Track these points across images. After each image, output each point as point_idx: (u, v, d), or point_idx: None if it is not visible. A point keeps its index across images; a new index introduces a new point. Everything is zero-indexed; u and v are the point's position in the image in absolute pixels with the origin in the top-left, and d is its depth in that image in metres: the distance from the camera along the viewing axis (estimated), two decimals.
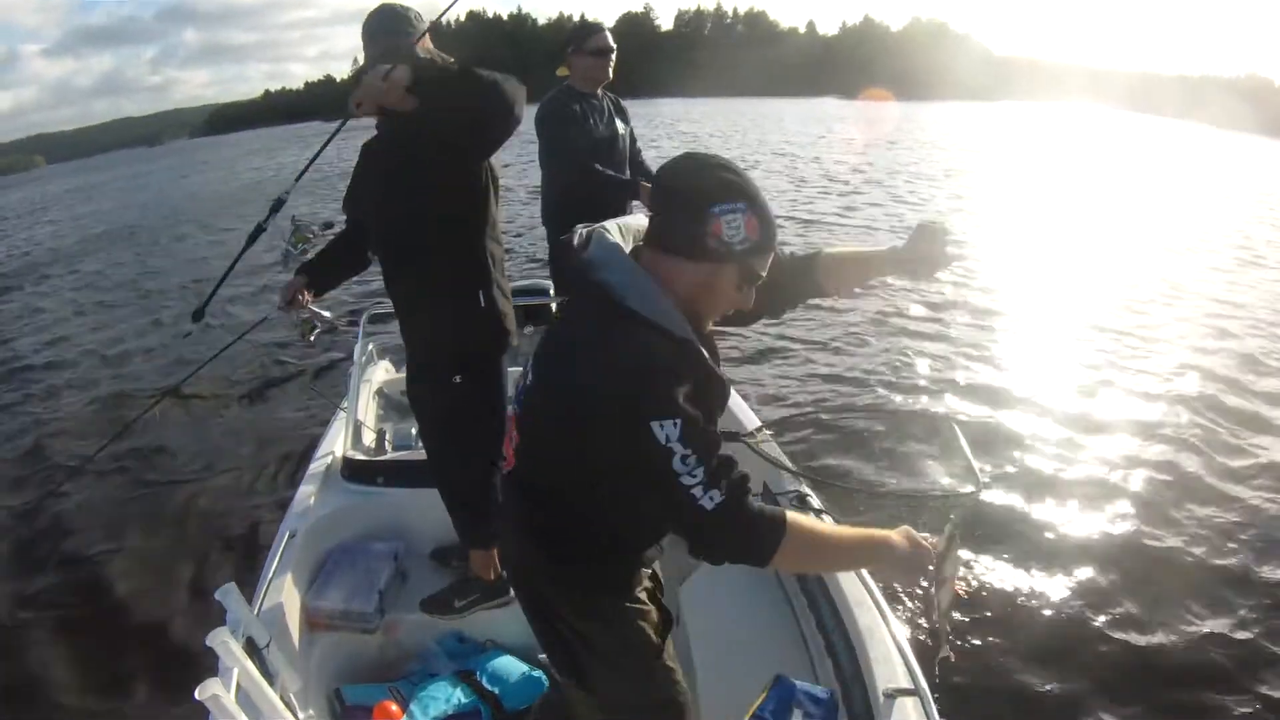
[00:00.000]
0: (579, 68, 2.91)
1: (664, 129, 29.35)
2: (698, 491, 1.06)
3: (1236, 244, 10.08)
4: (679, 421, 1.04)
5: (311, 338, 1.81)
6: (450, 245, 1.90)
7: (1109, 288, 7.59)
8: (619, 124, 3.07)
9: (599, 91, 3.01)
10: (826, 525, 1.23)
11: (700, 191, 1.09)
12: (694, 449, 1.05)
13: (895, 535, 1.23)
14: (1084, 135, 31.75)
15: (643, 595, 1.36)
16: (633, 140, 3.19)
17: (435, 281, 1.94)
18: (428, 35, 1.83)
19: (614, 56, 2.92)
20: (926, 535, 1.25)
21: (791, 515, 1.14)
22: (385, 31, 1.80)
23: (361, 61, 1.85)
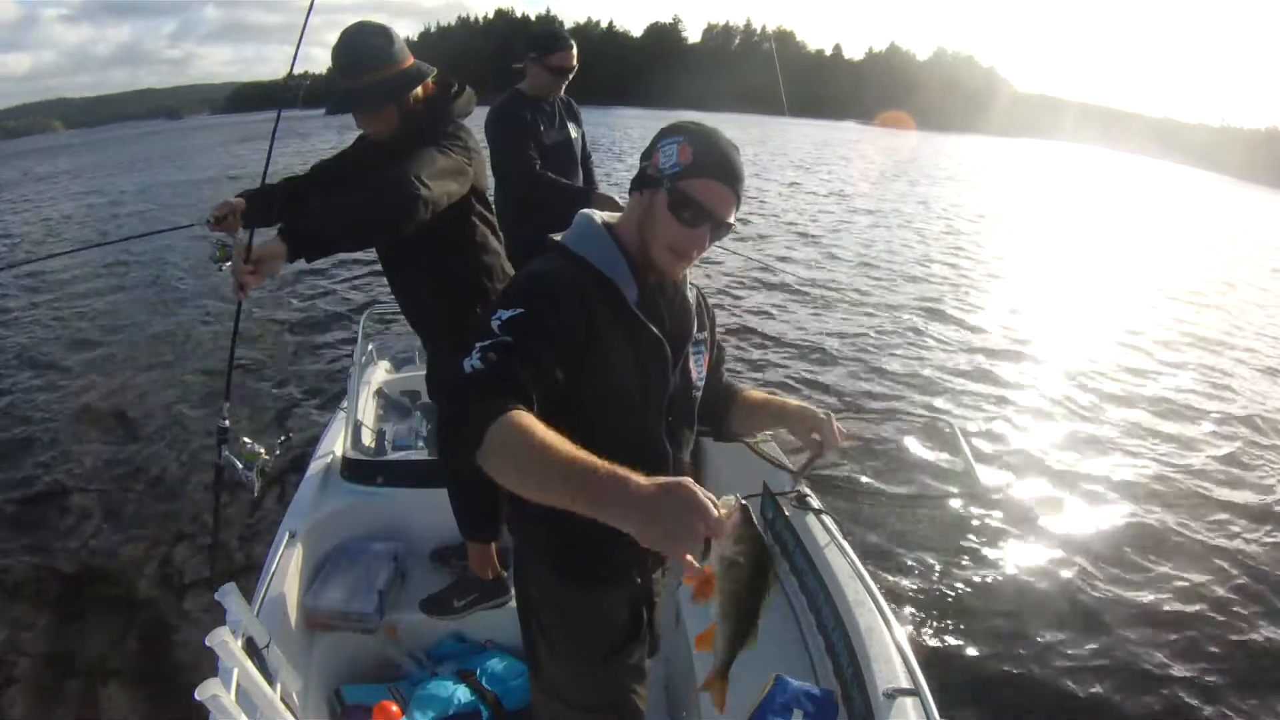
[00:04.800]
0: (535, 76, 2.80)
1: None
2: (473, 353, 1.02)
3: (1241, 292, 10.18)
4: (520, 312, 1.04)
5: (223, 267, 1.72)
6: (445, 264, 1.89)
7: (1116, 319, 7.66)
8: (570, 128, 2.97)
9: (550, 97, 2.91)
10: (559, 440, 0.92)
11: (657, 136, 1.18)
12: (512, 333, 1.02)
13: (649, 485, 0.86)
14: (1104, 180, 32.00)
15: (614, 594, 1.31)
16: (584, 144, 3.08)
17: (434, 296, 1.94)
18: (408, 54, 1.78)
19: (570, 77, 2.84)
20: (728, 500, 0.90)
21: (522, 413, 0.95)
22: (358, 69, 1.72)
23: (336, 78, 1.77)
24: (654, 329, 1.18)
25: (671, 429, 1.27)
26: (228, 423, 1.58)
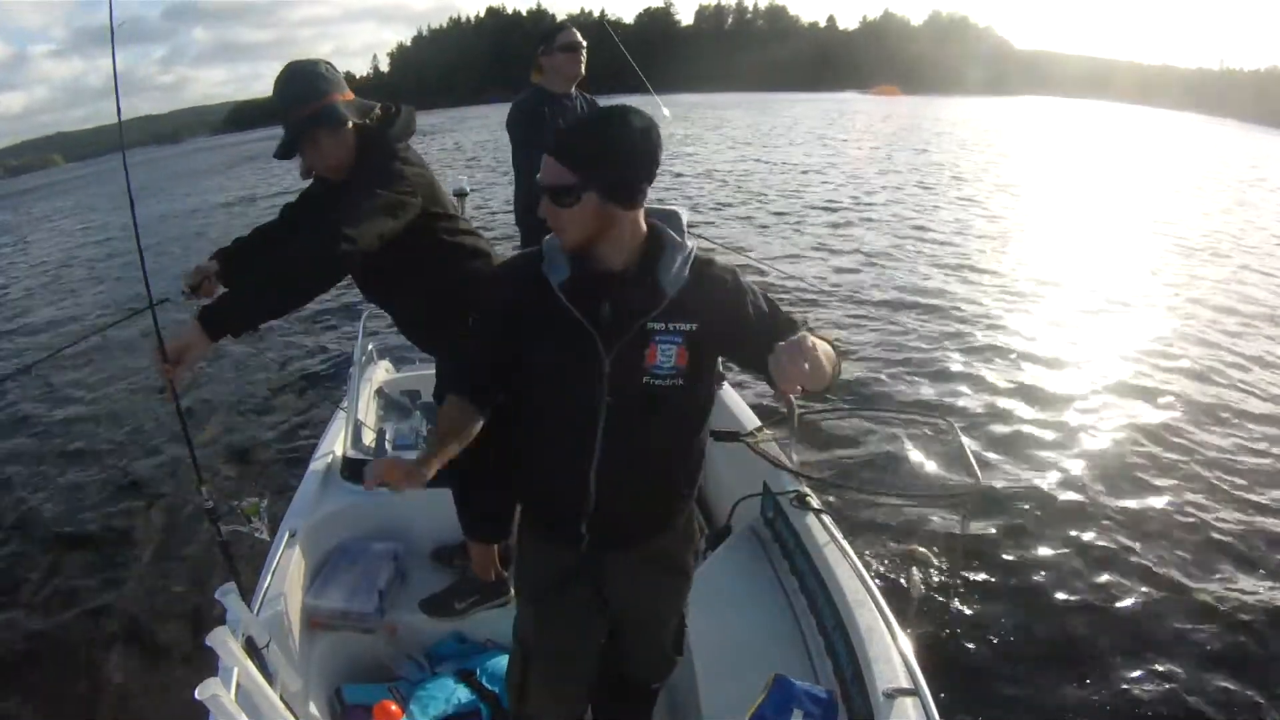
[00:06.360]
0: (551, 67, 2.87)
1: (701, 125, 28.70)
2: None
3: (1254, 243, 10.06)
4: (477, 315, 1.43)
5: None
6: (430, 287, 1.87)
7: (1118, 290, 7.55)
8: None
9: (573, 91, 2.95)
10: (444, 427, 1.33)
11: None
12: (474, 337, 1.39)
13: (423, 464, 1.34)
14: (1106, 132, 31.92)
15: (555, 550, 1.46)
16: None
17: (431, 314, 1.94)
18: (345, 89, 1.76)
19: (584, 53, 2.88)
20: None
21: (453, 402, 1.34)
22: (295, 103, 1.70)
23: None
24: (575, 311, 1.24)
25: (615, 413, 1.28)
26: (211, 503, 1.58)
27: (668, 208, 1.33)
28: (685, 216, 1.34)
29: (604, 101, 3.12)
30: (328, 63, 1.77)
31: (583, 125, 1.24)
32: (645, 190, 1.24)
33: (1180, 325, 6.47)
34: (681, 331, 1.27)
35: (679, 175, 15.78)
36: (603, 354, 1.25)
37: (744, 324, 1.29)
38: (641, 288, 1.26)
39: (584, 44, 2.88)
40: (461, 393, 1.35)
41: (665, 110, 4.26)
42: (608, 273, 1.26)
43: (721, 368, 2.73)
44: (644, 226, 1.28)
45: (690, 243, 1.30)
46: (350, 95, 1.78)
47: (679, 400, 1.31)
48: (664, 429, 1.35)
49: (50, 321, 8.47)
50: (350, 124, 1.74)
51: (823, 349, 1.16)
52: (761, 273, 7.41)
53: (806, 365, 1.06)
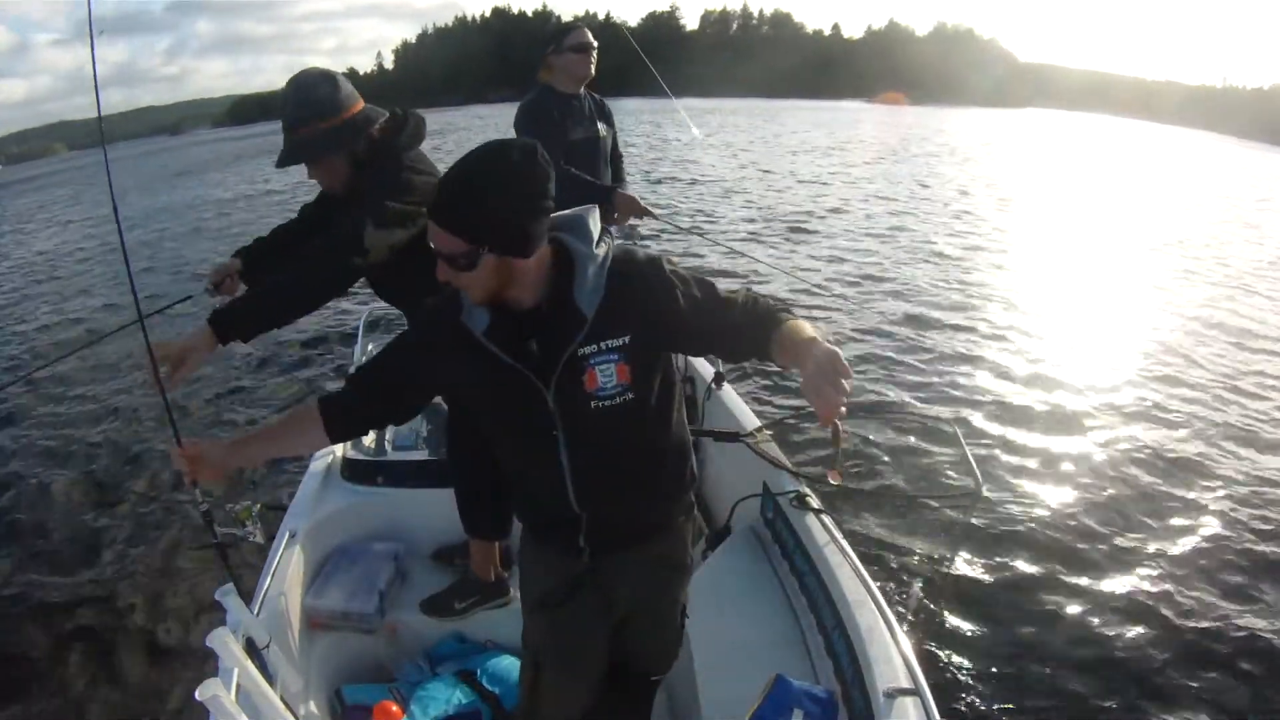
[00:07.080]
0: (560, 67, 2.83)
1: (705, 130, 28.57)
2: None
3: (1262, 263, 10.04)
4: (390, 344, 1.39)
5: None
6: (426, 292, 1.89)
7: (1129, 307, 7.53)
8: (600, 126, 2.97)
9: (581, 91, 2.91)
10: (277, 424, 1.50)
11: None
12: (373, 360, 1.38)
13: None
14: (1109, 145, 31.92)
15: (554, 554, 1.47)
16: (615, 143, 3.10)
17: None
18: (356, 100, 1.75)
19: (595, 53, 2.84)
20: None
21: (305, 406, 1.39)
22: (303, 120, 1.71)
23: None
24: (504, 356, 1.22)
25: (573, 438, 1.28)
26: (206, 506, 1.59)
27: (573, 212, 1.27)
28: (594, 216, 1.27)
29: (611, 103, 3.13)
30: (331, 79, 1.74)
31: (458, 187, 1.14)
32: (542, 231, 1.18)
33: (1191, 345, 6.43)
34: (615, 348, 1.24)
35: (677, 181, 15.74)
36: (543, 390, 1.24)
37: (679, 318, 1.24)
38: (562, 316, 1.21)
39: (595, 45, 2.85)
40: (325, 403, 1.35)
41: (695, 130, 4.23)
42: (525, 311, 1.23)
43: (720, 367, 2.73)
44: (549, 253, 1.22)
45: (601, 249, 1.24)
46: (357, 107, 1.75)
47: (635, 412, 1.28)
48: (628, 441, 1.32)
49: (45, 320, 8.46)
50: (333, 155, 1.74)
51: (807, 335, 1.15)
52: (763, 276, 7.43)
53: (846, 383, 1.01)
